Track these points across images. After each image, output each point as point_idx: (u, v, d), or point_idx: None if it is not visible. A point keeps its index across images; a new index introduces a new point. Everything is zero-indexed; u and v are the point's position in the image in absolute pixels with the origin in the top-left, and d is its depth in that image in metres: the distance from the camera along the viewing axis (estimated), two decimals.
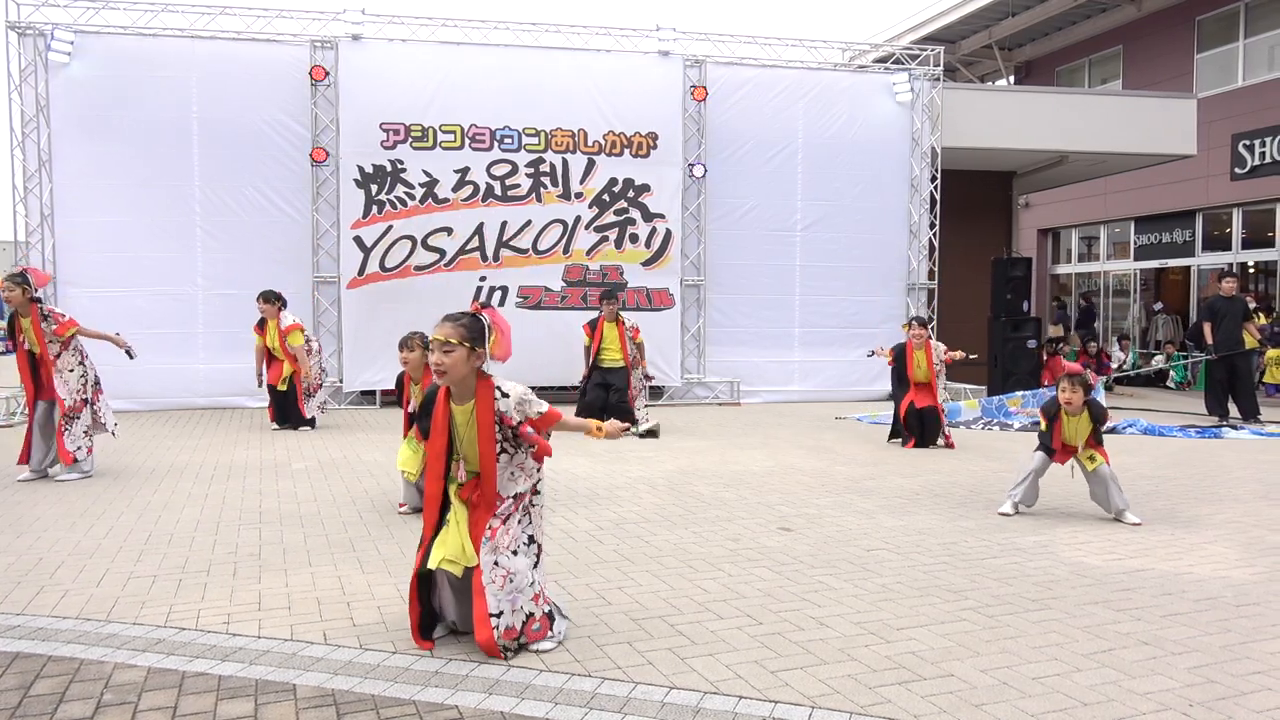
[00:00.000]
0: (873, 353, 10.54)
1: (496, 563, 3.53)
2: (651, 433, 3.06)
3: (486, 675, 3.38)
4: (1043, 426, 6.23)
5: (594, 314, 10.65)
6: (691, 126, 12.94)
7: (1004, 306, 13.44)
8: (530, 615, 3.58)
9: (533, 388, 3.76)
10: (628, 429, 3.76)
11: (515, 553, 3.58)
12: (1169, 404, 13.91)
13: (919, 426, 9.07)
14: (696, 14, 59.66)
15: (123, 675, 3.39)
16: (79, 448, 7.07)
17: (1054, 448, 6.14)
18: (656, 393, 12.95)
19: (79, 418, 7.08)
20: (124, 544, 5.23)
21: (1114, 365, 17.34)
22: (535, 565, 3.65)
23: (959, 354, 9.32)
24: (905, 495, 6.75)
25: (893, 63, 14.14)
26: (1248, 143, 16.84)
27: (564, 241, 12.58)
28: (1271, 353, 14.99)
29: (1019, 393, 11.67)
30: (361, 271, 12.02)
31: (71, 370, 7.09)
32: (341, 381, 12.07)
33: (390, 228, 12.08)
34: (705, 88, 12.87)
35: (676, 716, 3.07)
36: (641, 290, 12.81)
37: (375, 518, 5.92)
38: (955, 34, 21.68)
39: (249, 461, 8.01)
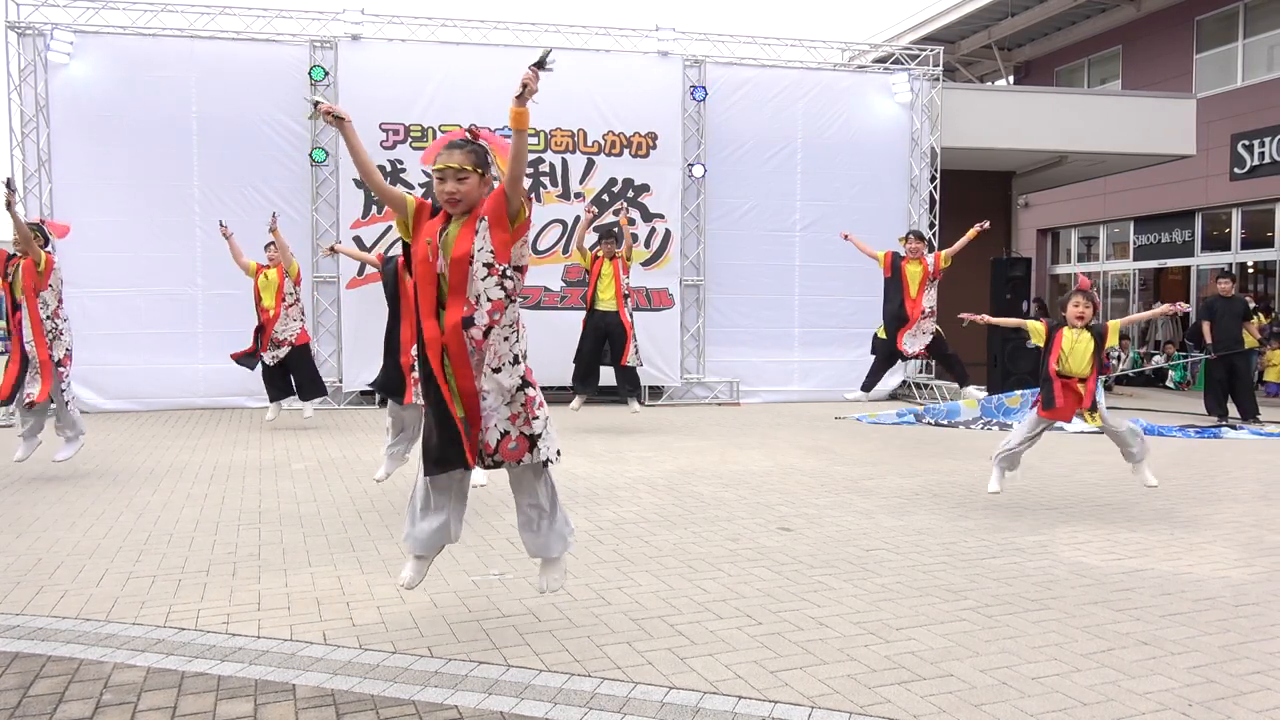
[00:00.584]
0: (845, 236, 10.32)
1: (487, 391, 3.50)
2: (542, 63, 2.88)
3: (486, 675, 3.39)
4: (1037, 338, 5.99)
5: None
6: (691, 126, 12.95)
7: (1003, 306, 13.43)
8: (505, 434, 3.51)
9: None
10: (535, 75, 3.46)
11: (498, 370, 3.50)
12: (1168, 404, 13.91)
13: (885, 362, 9.38)
14: (696, 14, 59.63)
15: (122, 675, 3.38)
16: (59, 389, 7.00)
17: (1050, 376, 5.88)
18: (656, 393, 12.96)
19: (65, 369, 7.05)
20: (123, 544, 5.22)
21: (1115, 365, 17.33)
22: (521, 387, 3.55)
23: (972, 230, 9.14)
24: (904, 495, 6.76)
25: (892, 63, 14.14)
26: (1247, 143, 16.85)
27: (563, 241, 12.58)
28: (1274, 354, 14.96)
29: (1018, 391, 11.66)
30: (361, 272, 12.01)
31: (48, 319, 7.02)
32: (341, 381, 12.07)
33: (390, 228, 12.08)
34: (705, 87, 12.86)
35: (676, 716, 3.07)
36: (641, 290, 12.80)
37: (375, 518, 5.92)
38: (955, 34, 21.69)
39: (248, 461, 8.01)
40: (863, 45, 18.35)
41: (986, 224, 9.32)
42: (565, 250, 12.57)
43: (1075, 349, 5.91)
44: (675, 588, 4.46)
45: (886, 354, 9.63)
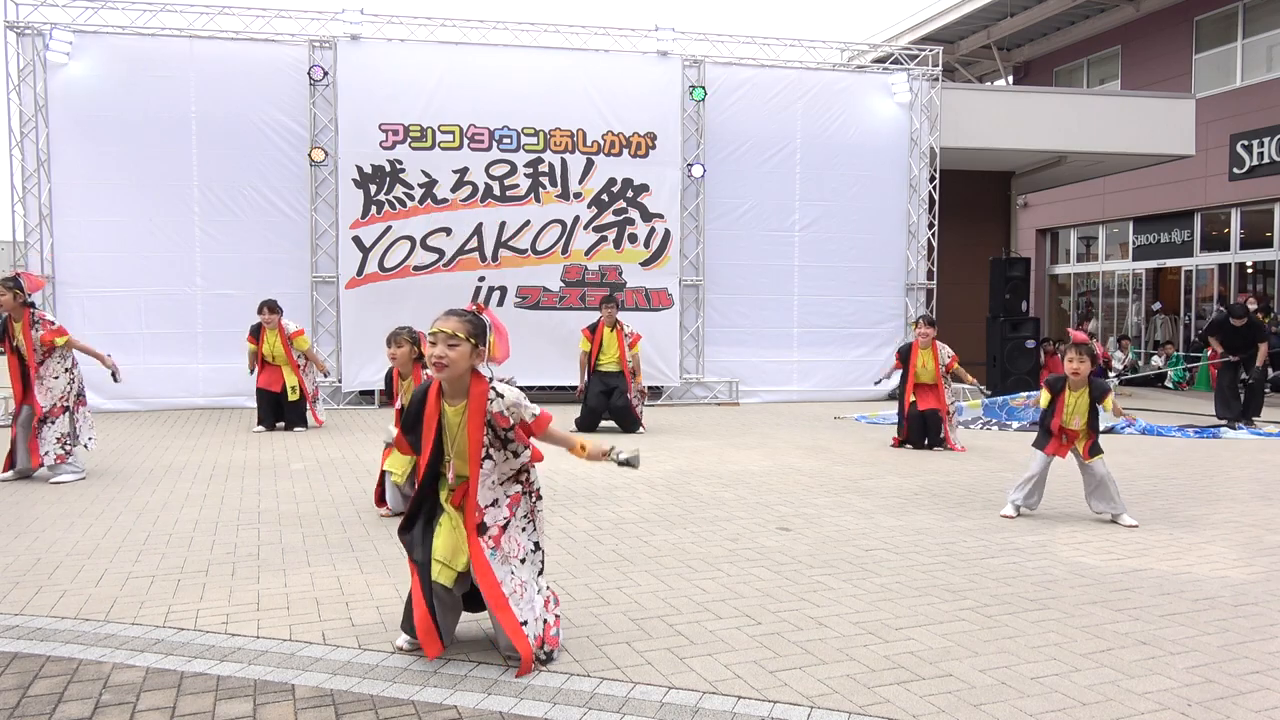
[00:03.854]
0: (879, 380, 10.55)
1: (513, 572, 3.50)
2: (629, 463, 2.96)
3: (485, 675, 3.39)
4: (1044, 402, 6.10)
5: (594, 315, 10.64)
6: (690, 126, 12.95)
7: (1002, 306, 13.46)
8: (546, 622, 3.57)
9: (532, 387, 3.75)
10: (608, 454, 3.63)
11: (523, 561, 3.56)
12: (1167, 404, 13.91)
13: (921, 428, 9.05)
14: (695, 14, 59.63)
15: (121, 675, 3.38)
16: (47, 453, 6.95)
17: (1052, 430, 6.01)
18: (655, 393, 12.96)
19: (53, 423, 6.99)
20: (122, 544, 5.22)
21: (1118, 366, 17.35)
22: (540, 573, 3.63)
23: (969, 380, 9.38)
24: (904, 495, 6.76)
25: (891, 63, 14.15)
26: (1246, 143, 16.87)
27: (563, 241, 12.58)
28: None
29: (1023, 393, 11.66)
30: (360, 272, 12.03)
31: (56, 378, 7.05)
32: (340, 381, 12.07)
33: (389, 228, 12.09)
34: (704, 87, 12.87)
35: (675, 716, 3.08)
36: (640, 290, 12.81)
37: (374, 518, 5.92)
38: (954, 34, 21.69)
39: (247, 462, 8.01)
40: (862, 45, 18.35)
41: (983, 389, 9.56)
42: (565, 250, 12.57)
43: (1076, 405, 6.00)
44: (674, 588, 4.46)
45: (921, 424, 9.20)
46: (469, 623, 3.95)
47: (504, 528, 3.53)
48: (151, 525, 5.67)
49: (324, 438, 9.47)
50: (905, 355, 9.23)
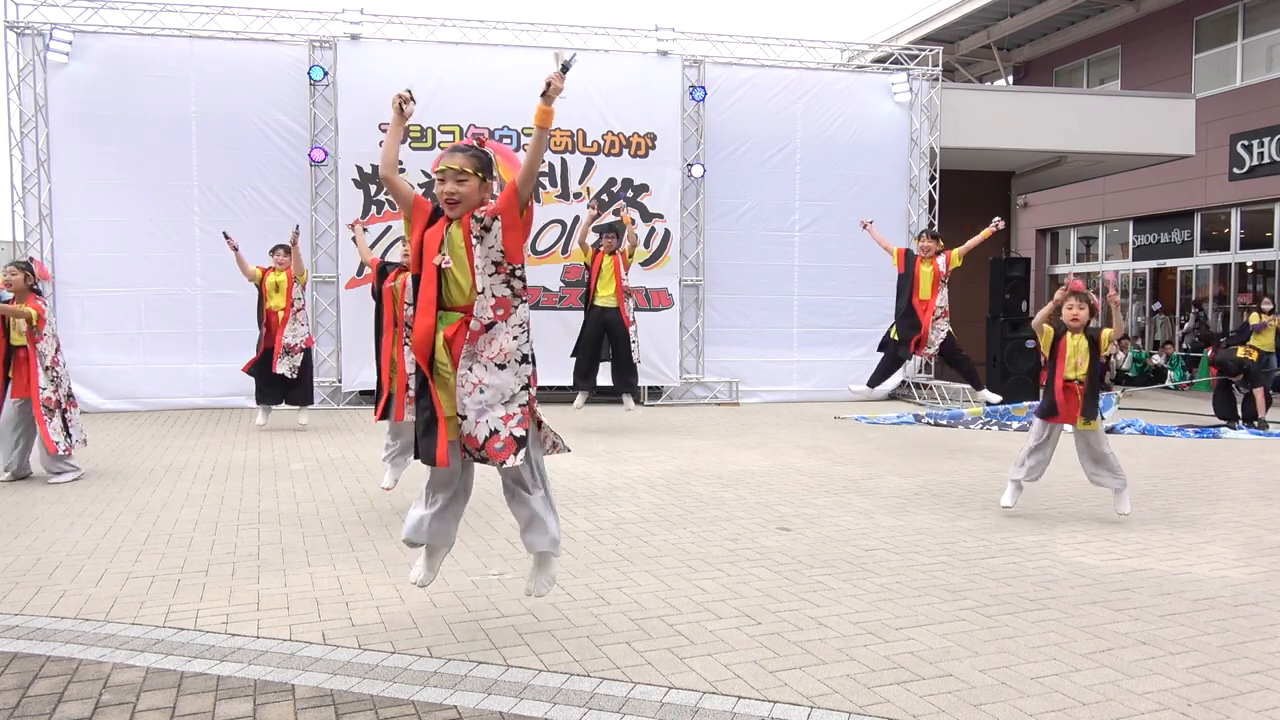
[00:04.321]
0: (865, 225, 10.09)
1: (471, 368, 3.48)
2: (567, 66, 2.89)
3: (485, 675, 3.39)
4: (1045, 344, 5.97)
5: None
6: (690, 126, 12.95)
7: (1002, 306, 13.45)
8: (495, 432, 3.48)
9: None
10: (558, 74, 3.51)
11: (502, 366, 3.50)
12: (1167, 404, 13.91)
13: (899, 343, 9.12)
14: (695, 14, 59.64)
15: (121, 675, 3.38)
16: (59, 441, 6.94)
17: (1056, 389, 5.86)
18: (655, 392, 12.96)
19: (54, 412, 6.97)
20: (122, 544, 5.22)
21: (1123, 365, 17.34)
22: (524, 387, 3.54)
23: (987, 229, 8.95)
24: (903, 495, 6.76)
25: (891, 63, 14.15)
26: (1246, 143, 16.87)
27: (562, 241, 12.58)
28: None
29: (1025, 402, 11.60)
30: (360, 272, 12.01)
31: (47, 369, 7.02)
32: (340, 381, 12.07)
33: (389, 228, 12.08)
34: (704, 87, 12.86)
35: (675, 716, 3.08)
36: (640, 290, 12.79)
37: (374, 518, 5.92)
38: (954, 34, 21.69)
39: (247, 462, 8.01)
40: (862, 45, 18.35)
41: (1001, 223, 9.06)
42: (565, 250, 12.57)
43: (1078, 349, 5.91)
44: (674, 588, 4.46)
45: (895, 356, 9.53)
46: (469, 623, 3.95)
47: (489, 328, 3.50)
48: (151, 525, 5.67)
49: (324, 438, 9.47)
50: (908, 260, 9.14)
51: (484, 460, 3.53)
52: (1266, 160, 16.54)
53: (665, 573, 4.72)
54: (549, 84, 3.49)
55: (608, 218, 11.84)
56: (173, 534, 5.46)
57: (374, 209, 12.06)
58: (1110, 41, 21.02)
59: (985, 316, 13.92)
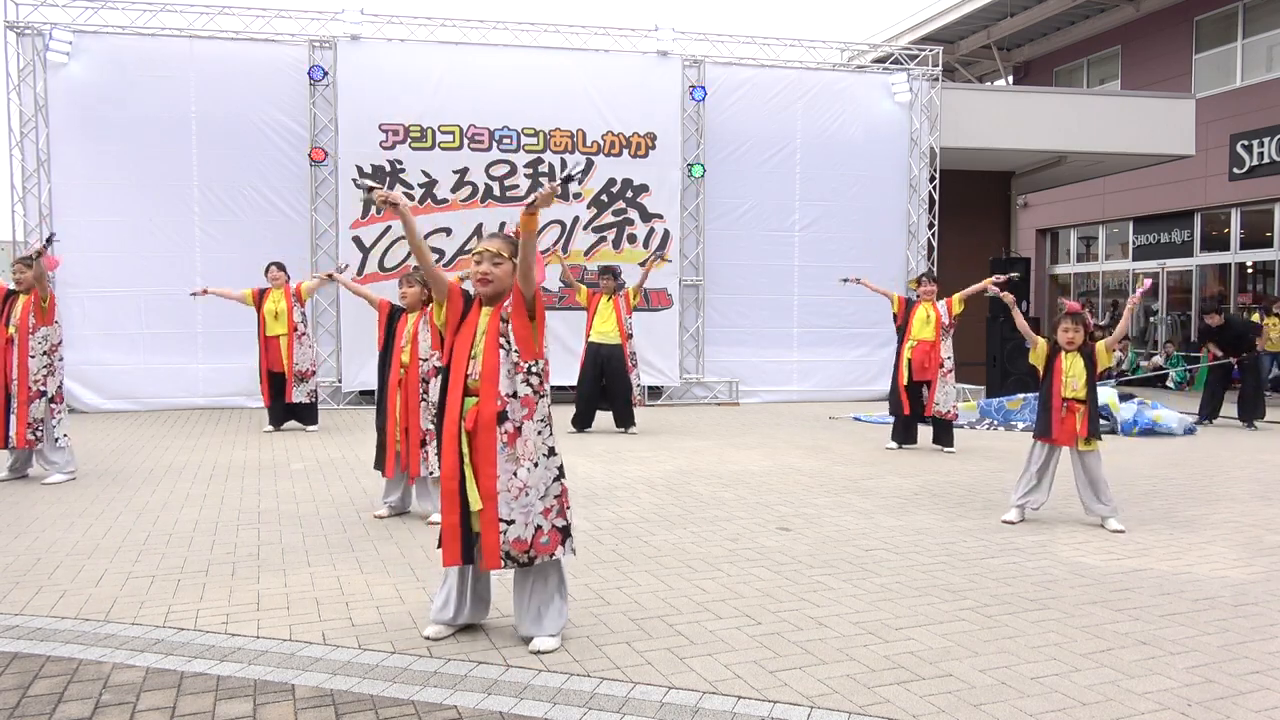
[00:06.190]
0: (846, 280, 9.94)
1: (515, 473, 3.56)
2: (570, 177, 3.02)
3: (485, 675, 3.39)
4: (1039, 358, 5.94)
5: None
6: (690, 126, 12.95)
7: (1002, 307, 13.42)
8: (539, 528, 3.58)
9: None
10: (555, 190, 3.73)
11: (535, 464, 3.59)
12: (1167, 404, 13.89)
13: (914, 399, 8.81)
14: (695, 14, 59.64)
15: (121, 675, 3.38)
16: (35, 435, 6.91)
17: (1052, 407, 5.81)
18: (655, 392, 12.96)
19: (37, 404, 6.93)
20: (122, 544, 5.22)
21: (1122, 365, 17.33)
22: (556, 479, 3.65)
23: (988, 281, 8.68)
24: (903, 495, 6.76)
25: (891, 63, 14.15)
26: (1246, 143, 16.86)
27: (562, 242, 12.58)
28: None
29: (1019, 394, 11.65)
30: (360, 272, 12.01)
31: (33, 357, 6.96)
32: (340, 382, 12.07)
33: (389, 228, 12.08)
34: (704, 87, 12.86)
35: (675, 716, 3.08)
36: (640, 290, 12.80)
37: (374, 518, 5.91)
38: (954, 34, 21.68)
39: (247, 462, 8.01)
40: (862, 45, 18.35)
41: (1000, 281, 8.58)
42: (564, 251, 12.56)
43: (1073, 369, 5.88)
44: (674, 588, 4.46)
45: (909, 421, 9.01)
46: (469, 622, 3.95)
47: (519, 429, 3.58)
48: (151, 525, 5.67)
49: (324, 438, 9.47)
50: (906, 311, 8.88)
51: (532, 560, 3.58)
52: (1266, 160, 16.53)
53: (665, 573, 4.72)
54: (538, 197, 3.62)
55: (607, 218, 11.84)
56: (173, 534, 5.46)
57: (373, 209, 12.05)
58: (1110, 41, 21.02)
59: (985, 317, 13.91)
